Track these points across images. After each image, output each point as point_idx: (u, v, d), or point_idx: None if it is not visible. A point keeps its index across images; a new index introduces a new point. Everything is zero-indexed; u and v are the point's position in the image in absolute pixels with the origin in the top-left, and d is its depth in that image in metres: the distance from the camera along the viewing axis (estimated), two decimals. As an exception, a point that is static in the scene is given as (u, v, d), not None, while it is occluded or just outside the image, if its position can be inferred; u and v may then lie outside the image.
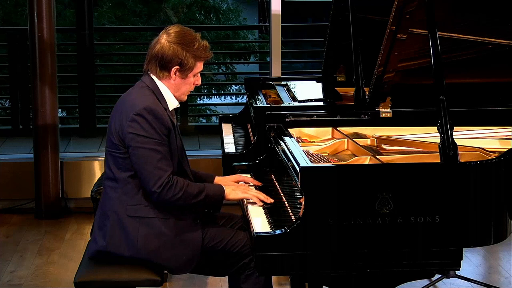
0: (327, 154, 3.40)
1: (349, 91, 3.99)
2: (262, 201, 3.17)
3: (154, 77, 3.18)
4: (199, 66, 3.19)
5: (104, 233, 3.16)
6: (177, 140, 3.20)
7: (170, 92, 3.19)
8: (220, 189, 3.19)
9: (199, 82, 3.26)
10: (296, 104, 3.91)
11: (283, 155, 3.16)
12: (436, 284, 4.38)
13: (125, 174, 3.12)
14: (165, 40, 3.14)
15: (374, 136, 3.55)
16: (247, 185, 3.35)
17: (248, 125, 4.39)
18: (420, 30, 3.34)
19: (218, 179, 3.42)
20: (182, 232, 3.13)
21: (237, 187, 3.26)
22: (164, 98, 3.17)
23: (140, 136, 3.05)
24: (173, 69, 3.14)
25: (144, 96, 3.12)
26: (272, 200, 3.17)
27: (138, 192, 3.11)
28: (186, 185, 3.08)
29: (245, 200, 3.23)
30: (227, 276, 3.35)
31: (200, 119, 9.11)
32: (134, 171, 3.10)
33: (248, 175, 3.50)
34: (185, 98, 3.27)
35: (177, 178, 3.07)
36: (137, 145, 3.05)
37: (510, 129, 3.54)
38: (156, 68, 3.17)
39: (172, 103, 3.21)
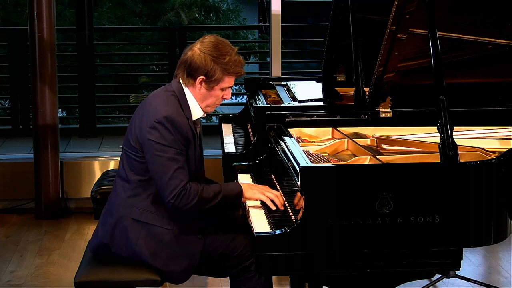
0: (327, 154, 3.39)
1: (349, 91, 3.99)
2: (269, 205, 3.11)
3: (182, 83, 3.14)
4: (228, 81, 3.11)
5: (105, 230, 3.16)
6: (196, 151, 3.16)
7: (196, 101, 3.14)
8: (238, 187, 3.14)
9: (228, 96, 3.18)
10: (296, 104, 3.91)
11: (283, 155, 3.15)
12: (436, 284, 4.38)
13: (137, 177, 3.11)
14: (198, 48, 3.09)
15: (374, 136, 3.55)
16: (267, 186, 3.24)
17: (248, 125, 4.39)
18: (420, 30, 3.34)
19: None
20: (182, 245, 3.11)
21: (256, 186, 3.19)
22: (188, 107, 3.12)
23: (159, 144, 3.01)
24: (198, 78, 3.08)
25: (168, 104, 3.07)
26: (283, 202, 3.12)
27: (147, 198, 3.10)
28: (200, 190, 3.03)
29: (246, 200, 3.22)
30: (227, 277, 3.34)
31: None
32: (146, 176, 3.08)
33: (250, 182, 3.44)
34: (210, 110, 3.20)
35: (191, 185, 3.02)
36: (156, 153, 3.01)
37: (510, 129, 3.54)
38: (184, 75, 3.11)
39: (196, 113, 3.15)
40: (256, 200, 3.15)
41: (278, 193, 3.15)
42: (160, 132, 3.02)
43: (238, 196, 3.12)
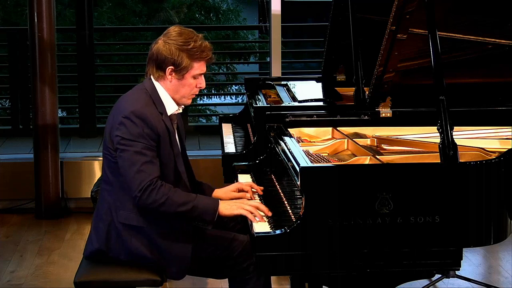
0: (327, 154, 3.39)
1: (349, 91, 3.99)
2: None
3: (153, 79, 3.12)
4: (197, 67, 3.08)
5: (98, 235, 3.15)
6: (174, 147, 3.11)
7: (169, 96, 3.12)
8: (214, 202, 3.04)
9: (202, 85, 3.14)
10: (296, 104, 3.91)
11: (283, 155, 3.15)
12: (436, 284, 4.38)
13: (116, 178, 3.07)
14: (162, 40, 3.08)
15: (374, 136, 3.55)
16: (246, 199, 3.18)
17: (248, 125, 4.39)
18: (420, 30, 3.34)
19: (218, 191, 3.30)
20: (172, 244, 3.08)
21: (234, 202, 3.10)
22: (161, 102, 3.10)
23: (126, 140, 2.98)
24: (168, 69, 3.07)
25: (137, 99, 3.06)
26: (270, 214, 3.01)
27: (130, 200, 3.04)
28: (172, 192, 2.97)
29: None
30: (226, 278, 3.34)
31: (200, 119, 9.11)
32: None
33: (249, 181, 3.39)
34: (187, 101, 3.16)
35: (162, 184, 2.97)
36: (123, 148, 2.99)
37: (510, 129, 3.54)
38: (153, 69, 3.10)
39: (171, 108, 3.12)
40: (236, 215, 3.06)
41: (257, 204, 3.05)
42: (127, 127, 2.99)
43: (211, 212, 3.01)
